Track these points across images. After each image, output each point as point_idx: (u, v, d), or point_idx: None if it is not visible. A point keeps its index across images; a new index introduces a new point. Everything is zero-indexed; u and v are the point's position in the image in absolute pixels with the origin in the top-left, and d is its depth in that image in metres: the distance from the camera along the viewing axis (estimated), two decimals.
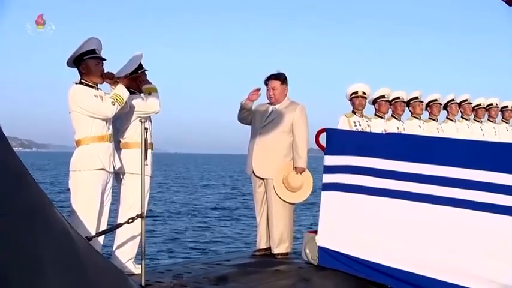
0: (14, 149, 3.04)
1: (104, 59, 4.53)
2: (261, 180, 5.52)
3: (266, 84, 5.58)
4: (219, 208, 20.56)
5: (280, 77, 5.54)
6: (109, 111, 4.37)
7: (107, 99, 4.40)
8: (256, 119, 5.60)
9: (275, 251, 5.45)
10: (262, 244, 5.58)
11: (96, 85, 4.49)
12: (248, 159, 5.60)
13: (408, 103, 6.84)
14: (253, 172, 5.54)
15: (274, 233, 5.44)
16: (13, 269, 2.67)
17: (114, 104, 4.36)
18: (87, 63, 4.43)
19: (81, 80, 4.46)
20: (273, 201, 5.44)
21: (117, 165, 4.56)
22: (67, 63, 4.51)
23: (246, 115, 5.63)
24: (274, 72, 5.61)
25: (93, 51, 4.44)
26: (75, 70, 4.50)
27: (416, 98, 6.91)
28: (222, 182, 38.53)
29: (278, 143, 5.44)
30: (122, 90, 4.44)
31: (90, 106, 4.35)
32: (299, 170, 5.42)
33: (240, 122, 5.72)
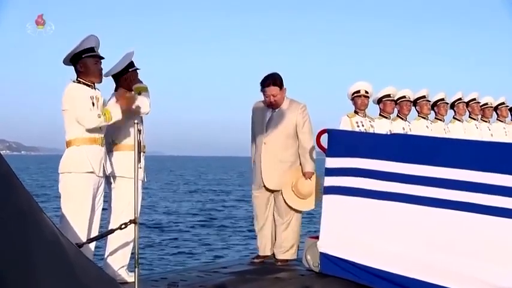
0: (1, 152, 3.03)
1: (103, 58, 4.52)
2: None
3: (263, 91, 5.43)
4: (216, 214, 20.53)
5: (278, 82, 5.38)
6: (92, 122, 4.31)
7: (97, 107, 4.37)
8: (256, 122, 5.56)
9: (281, 256, 5.48)
10: (267, 251, 5.56)
11: (94, 84, 4.48)
12: (256, 172, 5.52)
13: (415, 102, 6.84)
14: (264, 186, 5.46)
15: (284, 241, 5.45)
16: (5, 276, 2.67)
17: (99, 117, 4.31)
18: (85, 61, 4.41)
19: (79, 79, 4.44)
20: (283, 210, 5.44)
21: (108, 170, 4.55)
22: (63, 61, 4.49)
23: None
24: (269, 73, 5.45)
25: (92, 49, 4.43)
26: (69, 70, 4.48)
27: (424, 97, 6.90)
28: (218, 186, 38.48)
29: (285, 151, 5.42)
30: (116, 112, 4.39)
31: (79, 109, 4.32)
32: (308, 176, 5.40)
33: None
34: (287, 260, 5.48)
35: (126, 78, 4.74)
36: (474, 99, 7.63)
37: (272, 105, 5.44)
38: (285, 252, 5.47)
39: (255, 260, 5.58)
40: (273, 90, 5.37)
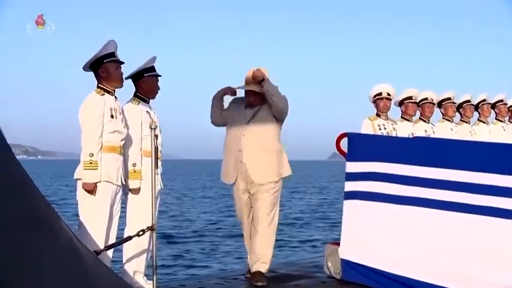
0: (17, 157, 3.09)
1: (123, 63, 4.59)
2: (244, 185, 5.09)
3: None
4: (234, 220, 20.54)
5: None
6: (89, 148, 4.33)
7: (116, 118, 4.42)
8: (234, 118, 5.11)
9: (262, 269, 4.95)
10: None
11: (114, 91, 4.54)
12: (239, 166, 5.02)
13: (439, 104, 6.80)
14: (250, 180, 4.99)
15: (267, 248, 5.01)
16: (18, 283, 2.72)
17: (96, 147, 4.34)
18: (106, 67, 4.47)
19: (99, 85, 4.50)
20: (266, 208, 4.98)
21: (126, 178, 4.59)
22: (83, 68, 4.56)
23: (219, 112, 5.17)
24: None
25: (112, 54, 4.50)
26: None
27: (449, 99, 6.86)
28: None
29: (269, 139, 5.03)
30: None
31: (87, 131, 4.36)
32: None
33: (216, 124, 5.24)
34: (263, 274, 4.93)
35: (143, 83, 4.79)
36: (501, 100, 7.55)
37: (253, 105, 5.07)
38: (267, 263, 4.99)
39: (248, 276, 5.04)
40: (254, 87, 5.01)
